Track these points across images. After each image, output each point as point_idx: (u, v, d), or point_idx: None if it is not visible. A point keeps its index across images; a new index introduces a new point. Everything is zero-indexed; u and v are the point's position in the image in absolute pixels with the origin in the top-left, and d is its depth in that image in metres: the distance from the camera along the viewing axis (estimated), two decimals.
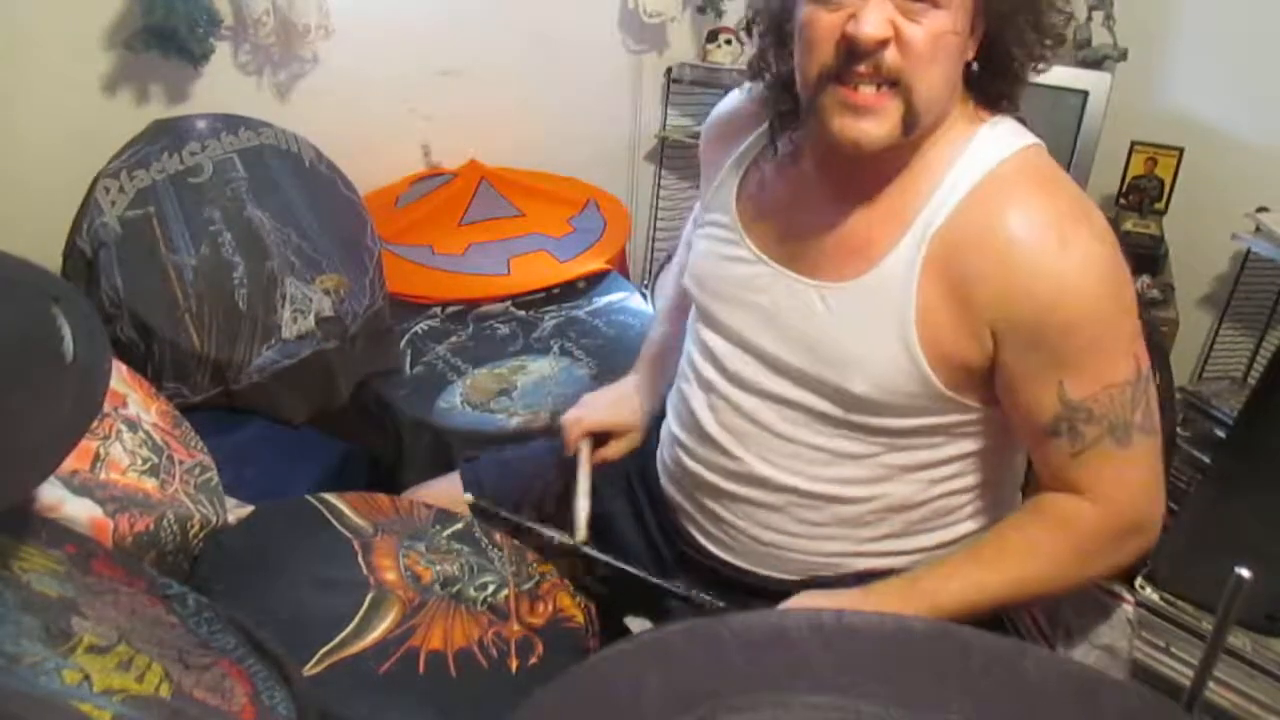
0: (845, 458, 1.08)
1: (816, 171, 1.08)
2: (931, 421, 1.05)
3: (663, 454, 1.27)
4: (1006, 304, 0.97)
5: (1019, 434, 1.05)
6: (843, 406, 1.06)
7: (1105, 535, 1.01)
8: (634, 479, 1.34)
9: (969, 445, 1.08)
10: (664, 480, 1.26)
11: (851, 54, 0.93)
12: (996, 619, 1.16)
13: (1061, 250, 0.95)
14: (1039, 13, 0.98)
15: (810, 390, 1.07)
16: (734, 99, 1.21)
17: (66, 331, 0.85)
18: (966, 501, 1.12)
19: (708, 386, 1.16)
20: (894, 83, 0.94)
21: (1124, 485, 1.01)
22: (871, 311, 1.02)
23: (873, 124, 0.95)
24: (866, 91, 0.94)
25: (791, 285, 1.07)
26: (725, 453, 1.14)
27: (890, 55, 0.93)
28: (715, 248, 1.16)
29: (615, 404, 1.37)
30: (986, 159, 1.00)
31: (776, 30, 1.05)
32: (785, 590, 1.10)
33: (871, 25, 0.91)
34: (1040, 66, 1.01)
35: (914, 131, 0.97)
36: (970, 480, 1.10)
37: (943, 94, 0.98)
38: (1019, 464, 1.16)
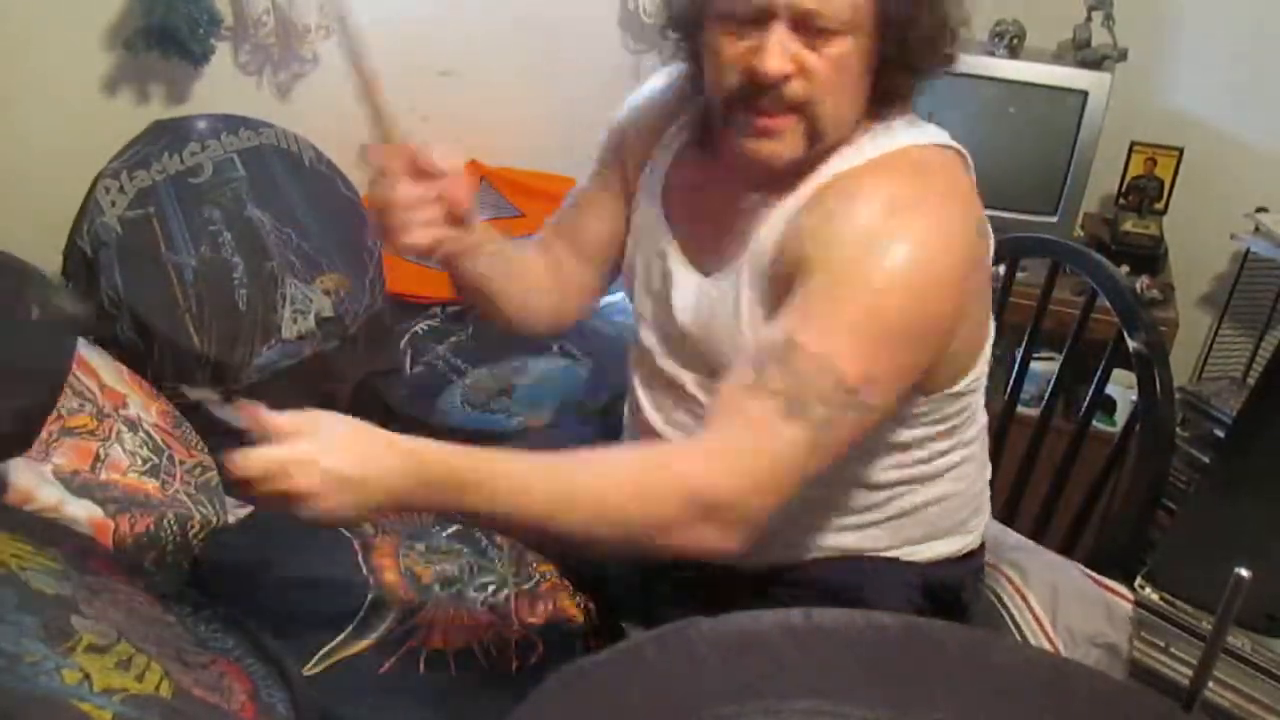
0: None
1: (738, 173, 1.06)
2: None
3: None
4: (813, 242, 0.96)
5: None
6: None
7: (686, 485, 0.89)
8: None
9: (943, 423, 1.08)
10: None
11: (756, 84, 0.95)
12: (997, 616, 1.16)
13: (882, 214, 0.95)
14: (939, 17, 0.98)
15: (707, 373, 1.08)
16: (654, 90, 1.19)
17: (31, 299, 0.92)
18: (937, 465, 1.11)
19: (646, 383, 1.16)
20: (799, 106, 0.96)
21: (744, 453, 0.90)
22: (746, 288, 1.03)
23: (778, 145, 0.98)
24: (772, 116, 0.96)
25: (691, 277, 1.09)
26: None
27: (794, 85, 0.94)
28: (651, 253, 1.15)
29: None
30: (868, 152, 1.00)
31: (690, 40, 1.04)
32: (761, 578, 1.10)
33: (774, 62, 0.93)
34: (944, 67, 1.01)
35: (818, 144, 0.99)
36: (935, 446, 1.10)
37: (848, 111, 0.99)
38: (976, 433, 1.16)
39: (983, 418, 1.17)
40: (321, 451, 0.82)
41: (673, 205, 1.13)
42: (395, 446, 0.85)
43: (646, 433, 1.17)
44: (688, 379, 1.11)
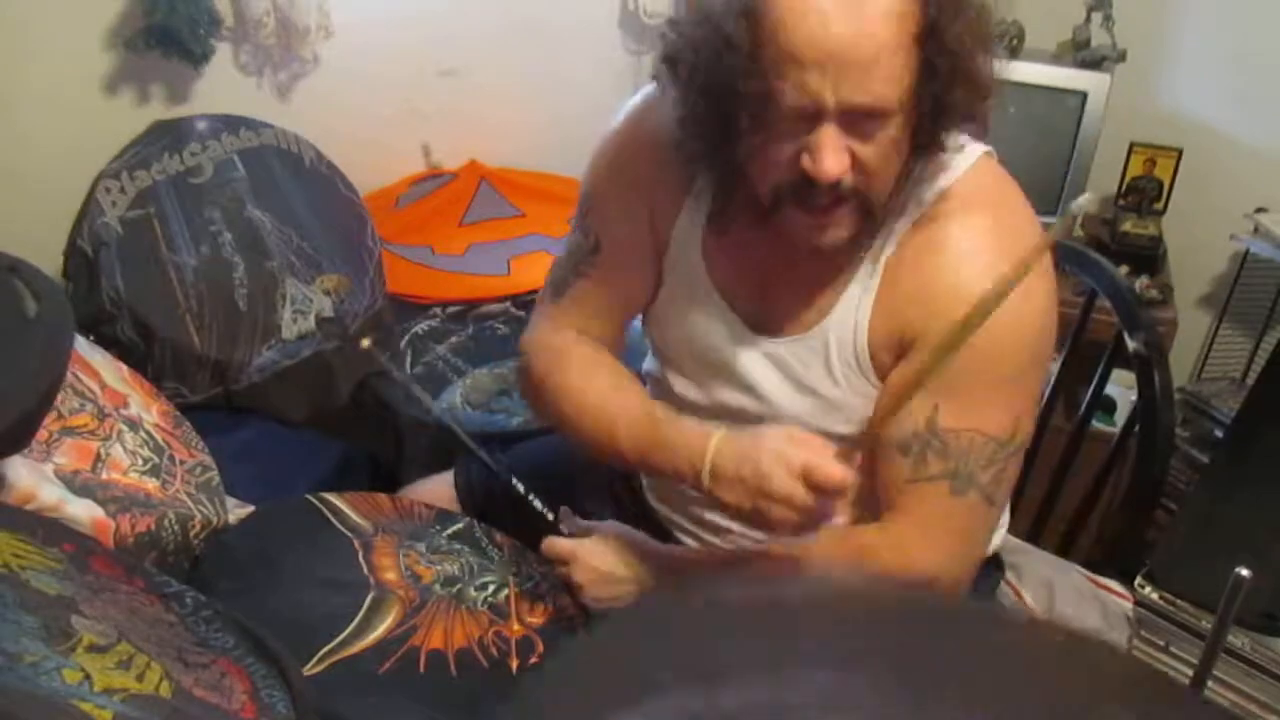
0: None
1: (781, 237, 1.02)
2: None
3: (646, 477, 1.24)
4: (927, 319, 0.97)
5: None
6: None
7: (897, 573, 0.99)
8: (620, 492, 1.32)
9: None
10: (651, 498, 1.24)
11: (809, 184, 0.92)
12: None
13: (978, 269, 0.95)
14: (973, 75, 0.92)
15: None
16: (656, 130, 1.05)
17: (26, 294, 0.93)
18: None
19: (694, 413, 1.12)
20: (852, 195, 0.93)
21: (932, 534, 0.99)
22: (834, 351, 1.02)
23: (836, 232, 0.96)
24: (828, 211, 0.94)
25: (757, 340, 1.06)
26: None
27: (848, 179, 0.91)
28: (684, 308, 1.10)
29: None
30: (936, 182, 0.99)
31: (714, 139, 0.97)
32: None
33: (831, 166, 0.89)
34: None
35: (873, 218, 0.97)
36: None
37: (894, 178, 0.96)
38: None
39: None
40: (595, 554, 1.09)
41: (717, 270, 1.08)
42: (650, 553, 1.10)
43: None
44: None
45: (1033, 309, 0.97)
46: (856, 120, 0.89)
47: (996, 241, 0.97)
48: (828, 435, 1.04)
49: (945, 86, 0.91)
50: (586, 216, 1.15)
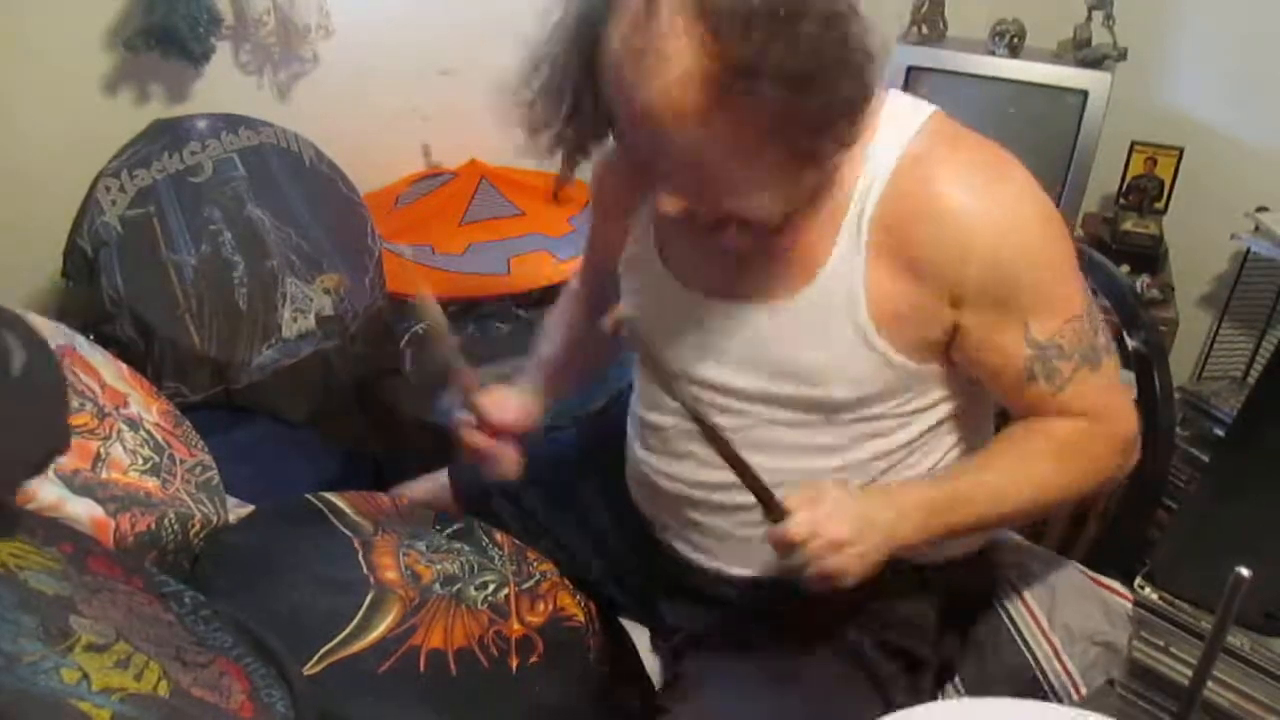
0: (824, 450, 1.07)
1: None
2: (913, 405, 1.06)
3: (631, 476, 1.23)
4: (954, 267, 0.98)
5: (995, 394, 1.06)
6: (819, 411, 1.05)
7: (1103, 441, 1.04)
8: (609, 501, 1.30)
9: (947, 409, 1.08)
10: (639, 499, 1.23)
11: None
12: (994, 615, 1.17)
13: (988, 202, 0.98)
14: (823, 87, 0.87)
15: (777, 405, 1.06)
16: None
17: (15, 349, 0.89)
18: (950, 461, 1.10)
19: (675, 410, 1.12)
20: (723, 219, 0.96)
21: (1107, 402, 1.04)
22: (826, 316, 1.02)
23: (728, 242, 0.99)
24: (709, 230, 0.98)
25: (729, 310, 1.06)
26: (702, 464, 1.11)
27: (698, 207, 0.95)
28: (644, 284, 1.14)
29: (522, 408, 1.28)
30: (895, 142, 1.00)
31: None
32: (779, 590, 1.07)
33: (664, 206, 0.96)
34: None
35: (777, 233, 0.98)
36: (951, 440, 1.10)
37: (787, 201, 0.96)
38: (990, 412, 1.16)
39: None
40: (845, 500, 0.96)
41: (672, 247, 1.12)
42: (888, 488, 1.04)
43: (655, 432, 1.16)
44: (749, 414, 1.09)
45: (1021, 210, 0.99)
46: None
47: (973, 173, 0.99)
48: (802, 403, 1.05)
49: (790, 104, 0.86)
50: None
